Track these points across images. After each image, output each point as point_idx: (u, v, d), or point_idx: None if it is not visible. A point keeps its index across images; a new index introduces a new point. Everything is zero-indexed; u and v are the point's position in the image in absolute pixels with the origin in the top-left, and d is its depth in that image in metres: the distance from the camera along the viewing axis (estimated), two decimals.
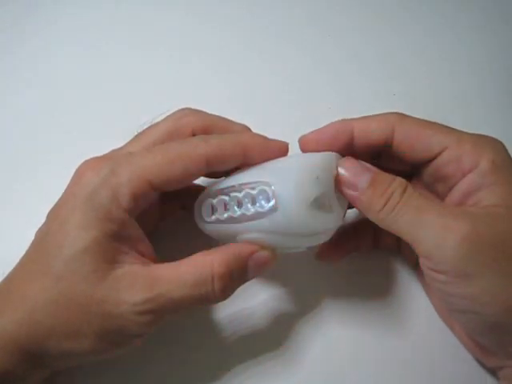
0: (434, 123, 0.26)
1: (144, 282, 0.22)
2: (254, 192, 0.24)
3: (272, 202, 0.23)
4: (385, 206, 0.23)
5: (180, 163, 0.23)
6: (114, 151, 0.26)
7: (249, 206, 0.24)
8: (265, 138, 0.26)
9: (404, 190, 0.24)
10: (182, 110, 0.27)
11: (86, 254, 0.22)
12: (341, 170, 0.25)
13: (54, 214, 0.24)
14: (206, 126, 0.26)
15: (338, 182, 0.25)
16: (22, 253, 0.24)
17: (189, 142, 0.24)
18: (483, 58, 0.42)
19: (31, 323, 0.21)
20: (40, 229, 0.24)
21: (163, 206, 0.28)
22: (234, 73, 0.40)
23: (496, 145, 0.25)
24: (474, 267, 0.21)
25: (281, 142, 0.26)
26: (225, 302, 0.24)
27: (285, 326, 0.29)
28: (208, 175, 0.27)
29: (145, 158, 0.23)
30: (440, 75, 0.41)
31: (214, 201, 0.25)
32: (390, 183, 0.24)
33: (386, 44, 0.42)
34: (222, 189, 0.25)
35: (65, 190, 0.24)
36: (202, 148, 0.24)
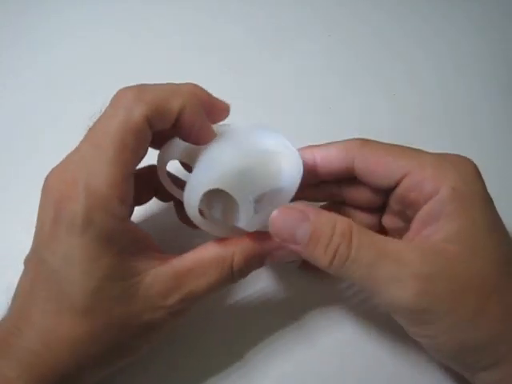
0: (397, 147, 0.25)
1: (173, 282, 0.22)
2: None
3: None
4: (332, 262, 0.22)
5: (131, 135, 0.21)
6: (68, 159, 0.23)
7: None
8: (209, 95, 0.24)
9: (350, 240, 0.22)
10: (123, 93, 0.23)
11: (106, 281, 0.21)
12: (275, 223, 0.23)
13: (47, 247, 0.21)
14: (158, 112, 0.22)
15: (273, 233, 0.23)
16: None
17: (121, 103, 0.22)
18: (485, 57, 0.42)
19: (71, 358, 0.21)
20: (32, 259, 0.22)
21: (135, 192, 0.28)
22: (233, 73, 0.40)
23: (460, 167, 0.23)
24: (429, 315, 0.22)
25: (224, 103, 0.25)
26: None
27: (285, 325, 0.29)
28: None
29: (103, 157, 0.21)
30: (440, 75, 0.41)
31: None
32: (333, 234, 0.22)
33: (386, 44, 0.42)
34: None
35: (42, 218, 0.22)
36: (139, 107, 0.21)
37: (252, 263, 0.24)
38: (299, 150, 0.26)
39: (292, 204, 0.24)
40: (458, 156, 0.24)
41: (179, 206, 0.29)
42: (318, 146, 0.26)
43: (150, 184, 0.29)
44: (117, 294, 0.21)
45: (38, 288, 0.21)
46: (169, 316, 0.23)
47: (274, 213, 0.23)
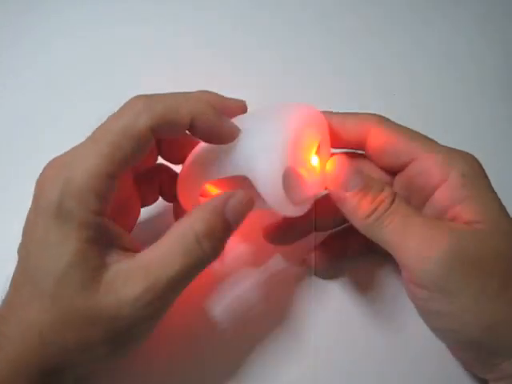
0: (412, 131, 0.25)
1: (136, 273, 0.22)
2: None
3: None
4: (373, 212, 0.23)
5: (128, 141, 0.22)
6: (65, 155, 0.23)
7: None
8: (216, 113, 0.23)
9: (393, 199, 0.23)
10: (136, 101, 0.23)
11: (71, 268, 0.21)
12: (331, 167, 0.24)
13: (28, 234, 0.23)
14: (164, 122, 0.23)
15: (325, 178, 0.25)
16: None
17: (128, 112, 0.22)
18: (484, 57, 0.42)
19: (43, 346, 0.21)
20: (20, 248, 0.23)
21: (140, 193, 0.28)
22: (234, 70, 0.40)
23: (467, 158, 0.24)
24: (456, 284, 0.21)
25: (233, 124, 0.24)
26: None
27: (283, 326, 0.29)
28: None
29: (93, 151, 0.22)
30: (440, 75, 0.41)
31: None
32: (381, 190, 0.24)
33: (386, 44, 0.42)
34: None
35: (31, 205, 0.23)
36: (144, 116, 0.22)
37: (216, 225, 0.23)
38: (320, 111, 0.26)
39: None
40: (462, 150, 0.25)
41: (179, 207, 0.29)
42: (336, 113, 0.27)
43: (154, 184, 0.29)
44: (79, 282, 0.21)
45: (21, 276, 0.22)
46: (138, 311, 0.21)
47: (332, 160, 0.24)
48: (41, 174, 0.23)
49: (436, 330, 0.24)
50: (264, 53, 0.41)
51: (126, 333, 0.22)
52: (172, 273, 0.22)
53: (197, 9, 0.44)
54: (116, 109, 0.23)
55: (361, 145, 0.26)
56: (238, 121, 0.25)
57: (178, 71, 0.40)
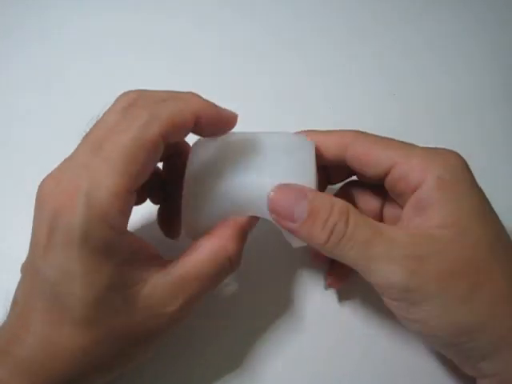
0: (388, 139, 0.26)
1: (173, 289, 0.22)
2: None
3: None
4: (329, 239, 0.23)
5: (142, 153, 0.21)
6: (65, 167, 0.22)
7: None
8: (215, 106, 0.24)
9: (347, 220, 0.23)
10: (126, 95, 0.23)
11: (108, 292, 0.21)
12: (273, 200, 0.23)
13: (43, 261, 0.21)
14: (172, 128, 0.22)
15: (270, 211, 0.23)
16: None
17: (137, 120, 0.21)
18: (482, 59, 0.42)
19: (78, 369, 0.21)
20: (28, 270, 0.22)
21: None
22: (234, 73, 0.40)
23: (446, 158, 0.24)
24: (421, 295, 0.22)
25: (231, 112, 0.24)
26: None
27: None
28: None
29: (111, 169, 0.20)
30: (440, 75, 0.41)
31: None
32: (331, 211, 0.23)
33: (386, 44, 0.42)
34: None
35: (38, 228, 0.21)
36: (155, 126, 0.21)
37: (242, 244, 0.24)
38: (302, 132, 0.27)
39: (289, 183, 0.24)
40: (446, 149, 0.25)
41: (165, 211, 0.29)
42: (318, 131, 0.27)
43: (143, 186, 0.28)
44: (117, 304, 0.21)
45: (36, 299, 0.21)
46: (171, 321, 0.22)
47: (273, 191, 0.23)
48: (44, 193, 0.21)
49: (415, 333, 0.25)
50: (263, 52, 0.41)
51: (161, 337, 0.23)
52: (206, 289, 0.23)
53: (197, 6, 0.44)
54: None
55: (340, 160, 0.27)
56: (241, 148, 0.25)
57: (179, 71, 0.40)
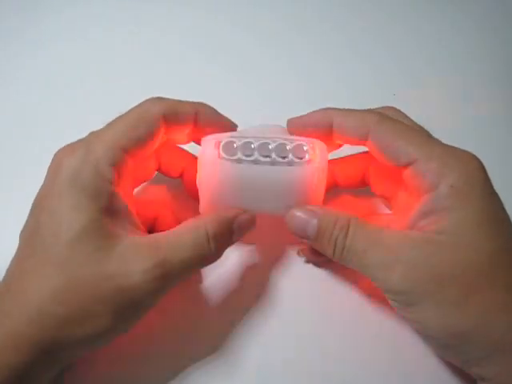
0: (411, 131, 0.25)
1: (148, 249, 0.23)
2: (289, 145, 0.26)
3: (307, 156, 0.25)
4: (334, 252, 0.25)
5: (143, 123, 0.25)
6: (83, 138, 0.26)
7: (273, 155, 0.25)
8: (216, 111, 0.28)
9: (346, 233, 0.25)
10: (151, 98, 0.27)
11: (85, 234, 0.22)
12: (290, 222, 0.26)
13: (39, 207, 0.23)
14: (173, 111, 0.26)
15: (289, 229, 0.27)
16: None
17: (144, 104, 0.26)
18: (484, 57, 0.42)
19: (42, 318, 0.21)
20: (25, 227, 0.24)
21: (137, 171, 0.28)
22: (234, 70, 0.40)
23: (464, 164, 0.24)
24: (416, 297, 0.23)
25: (230, 121, 0.28)
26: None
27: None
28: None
29: (112, 130, 0.25)
30: (440, 75, 0.41)
31: (240, 142, 0.25)
32: (333, 228, 0.25)
33: (386, 44, 0.42)
34: (248, 137, 0.26)
35: (44, 181, 0.24)
36: (157, 105, 0.25)
37: (224, 231, 0.25)
38: (315, 111, 0.27)
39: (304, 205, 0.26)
40: (466, 152, 0.25)
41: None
42: (338, 109, 0.27)
43: (150, 158, 0.29)
44: (91, 249, 0.22)
45: (27, 248, 0.23)
46: (145, 284, 0.22)
47: (290, 213, 0.26)
48: (58, 151, 0.25)
49: (415, 331, 0.26)
50: (263, 51, 0.41)
51: (130, 305, 0.22)
52: (181, 256, 0.23)
53: (197, 8, 0.44)
54: (118, 107, 0.26)
55: (362, 143, 0.26)
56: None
57: (178, 71, 0.40)
